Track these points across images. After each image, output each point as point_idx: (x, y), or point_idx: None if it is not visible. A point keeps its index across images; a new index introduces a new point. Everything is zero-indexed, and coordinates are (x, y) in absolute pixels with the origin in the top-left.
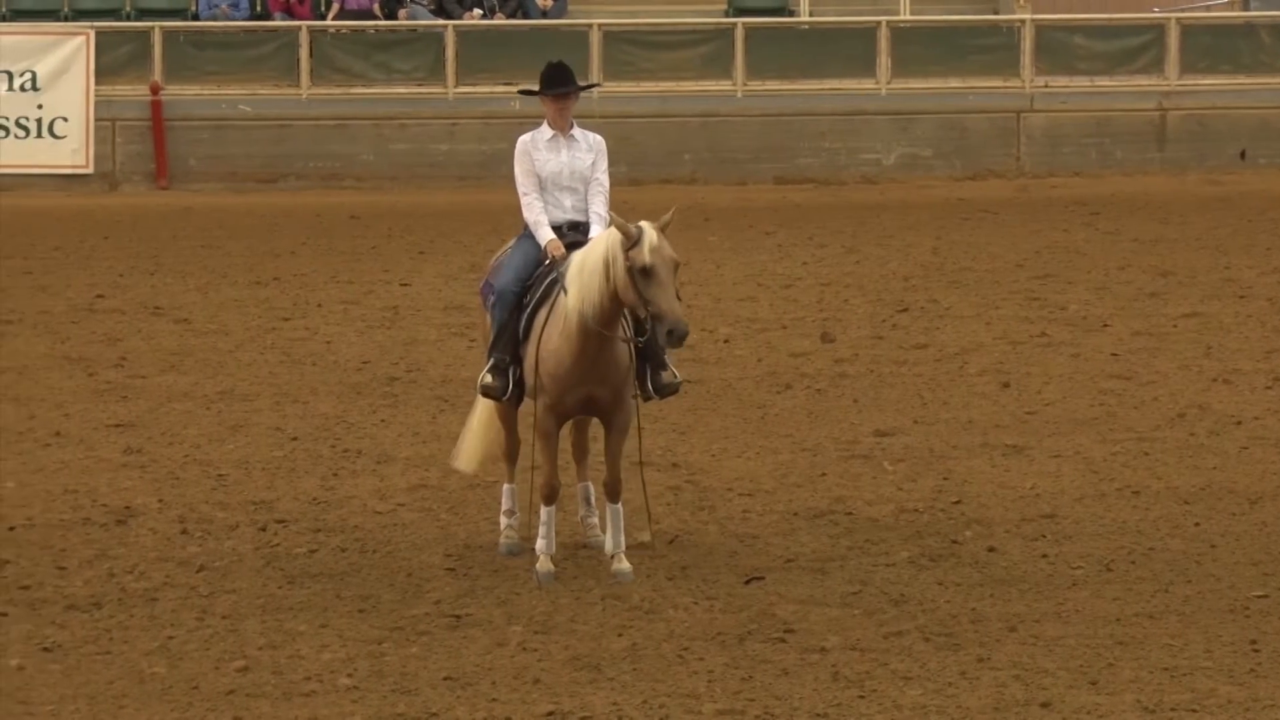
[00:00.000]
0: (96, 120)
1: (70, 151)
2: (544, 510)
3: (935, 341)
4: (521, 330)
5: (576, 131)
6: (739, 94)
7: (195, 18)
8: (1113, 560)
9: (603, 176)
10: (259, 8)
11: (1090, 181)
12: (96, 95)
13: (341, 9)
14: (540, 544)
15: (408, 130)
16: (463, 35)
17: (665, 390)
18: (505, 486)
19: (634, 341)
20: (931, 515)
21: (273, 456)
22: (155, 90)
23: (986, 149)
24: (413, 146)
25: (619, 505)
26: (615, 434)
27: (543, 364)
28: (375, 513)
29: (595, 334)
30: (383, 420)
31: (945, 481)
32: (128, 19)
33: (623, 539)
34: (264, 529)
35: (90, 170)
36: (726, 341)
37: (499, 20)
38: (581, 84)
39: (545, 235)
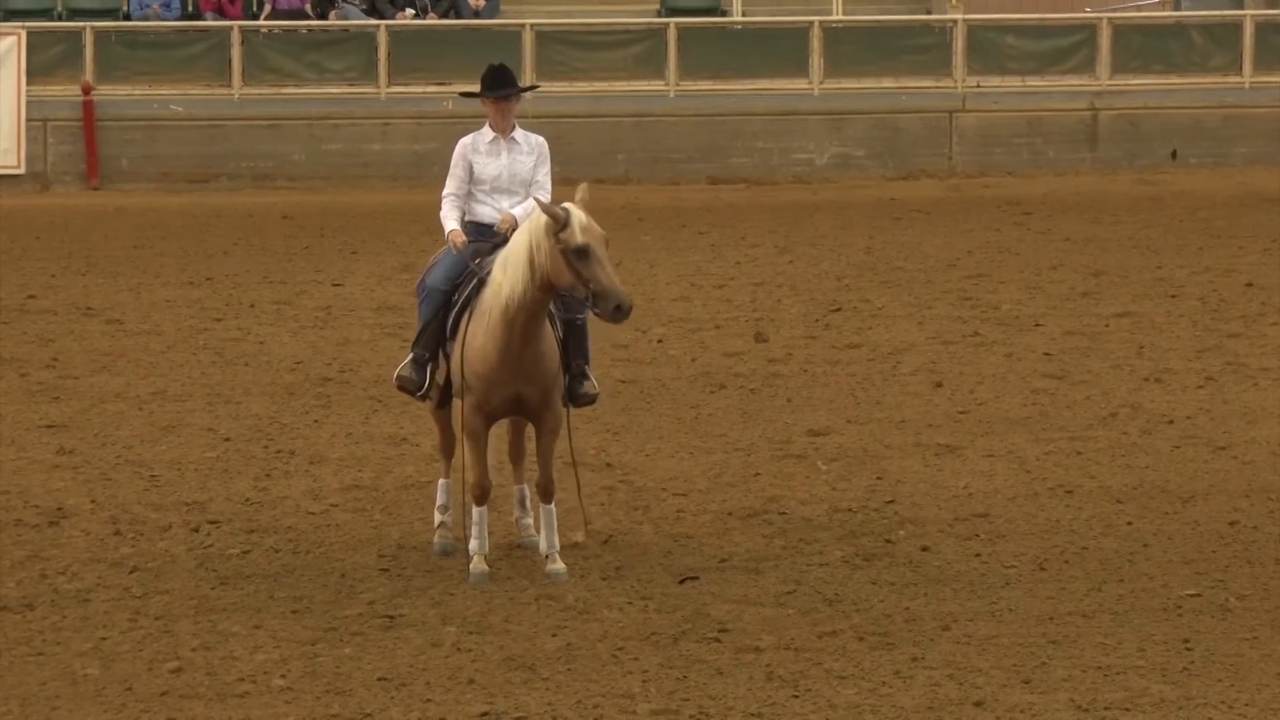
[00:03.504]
0: (28, 120)
1: (1, 152)
2: (475, 510)
3: (868, 341)
4: (449, 329)
5: (518, 134)
6: (672, 94)
7: (127, 18)
8: (1046, 559)
9: (544, 179)
10: (191, 7)
11: (1022, 181)
12: (28, 95)
13: (273, 9)
14: (473, 544)
15: (340, 130)
16: (395, 35)
17: (582, 400)
18: (440, 482)
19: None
20: (865, 515)
21: (205, 457)
22: (87, 90)
23: (919, 149)
24: (345, 146)
25: (552, 506)
26: (546, 435)
27: (468, 364)
28: (308, 513)
29: (520, 330)
30: (316, 421)
31: (879, 481)
32: (59, 19)
33: (556, 539)
34: (197, 530)
35: (22, 170)
36: (660, 341)
37: (431, 20)
38: (522, 86)
39: (449, 227)
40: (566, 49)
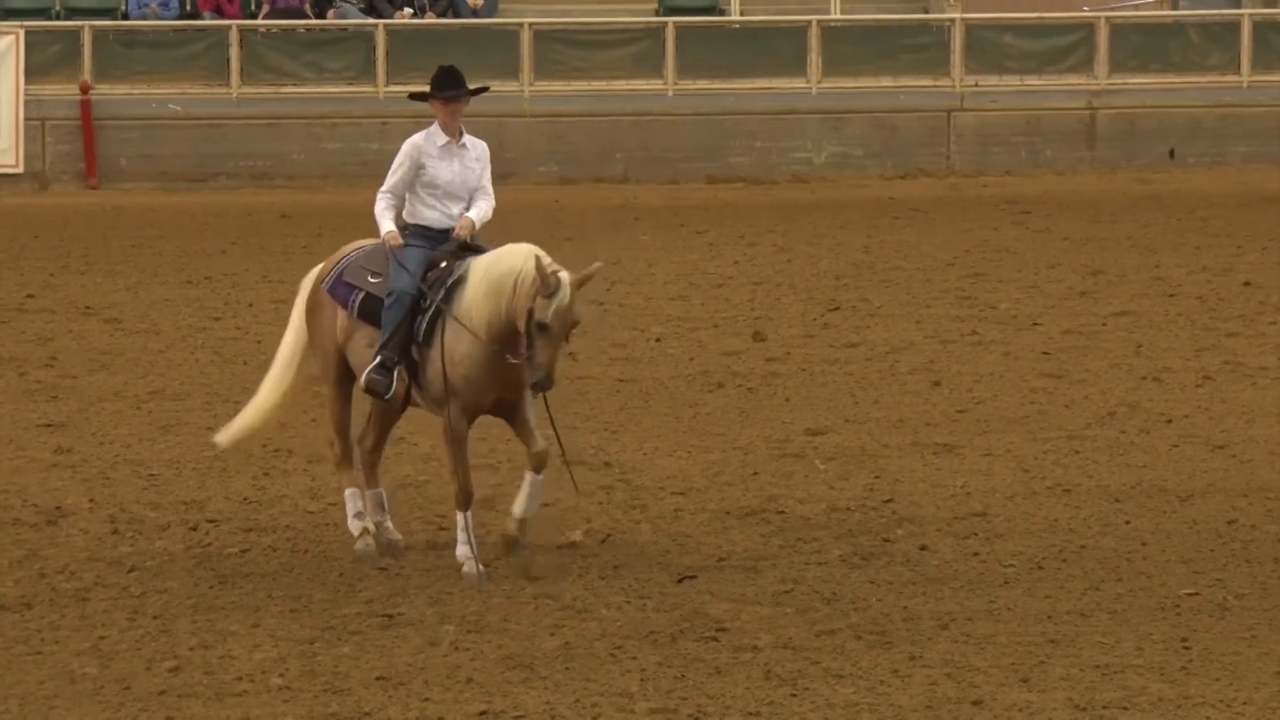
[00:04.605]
0: (26, 120)
1: (0, 151)
2: (461, 517)
3: (866, 340)
4: (421, 334)
5: (466, 138)
6: (670, 93)
7: (125, 17)
8: (1044, 558)
9: (488, 185)
10: (189, 7)
11: (1020, 180)
12: (26, 94)
13: (272, 8)
14: (463, 550)
15: (339, 129)
16: (393, 34)
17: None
18: (348, 491)
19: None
20: (863, 514)
21: (204, 456)
22: (85, 89)
23: (917, 148)
24: (344, 146)
25: (541, 476)
26: (522, 424)
27: (454, 367)
28: (307, 512)
29: (502, 345)
30: (314, 420)
31: (877, 480)
32: (57, 18)
33: (534, 505)
34: (195, 529)
35: (20, 170)
36: (658, 340)
37: (430, 19)
38: (472, 87)
39: (386, 227)
40: (565, 48)
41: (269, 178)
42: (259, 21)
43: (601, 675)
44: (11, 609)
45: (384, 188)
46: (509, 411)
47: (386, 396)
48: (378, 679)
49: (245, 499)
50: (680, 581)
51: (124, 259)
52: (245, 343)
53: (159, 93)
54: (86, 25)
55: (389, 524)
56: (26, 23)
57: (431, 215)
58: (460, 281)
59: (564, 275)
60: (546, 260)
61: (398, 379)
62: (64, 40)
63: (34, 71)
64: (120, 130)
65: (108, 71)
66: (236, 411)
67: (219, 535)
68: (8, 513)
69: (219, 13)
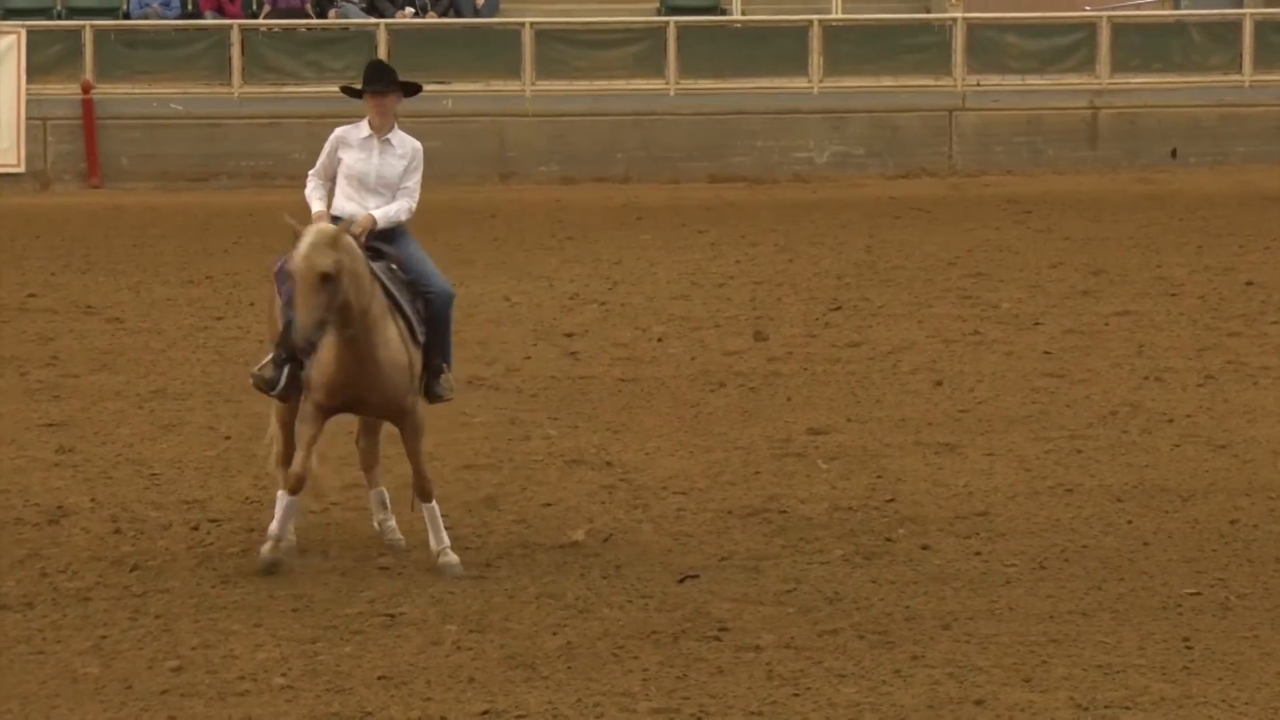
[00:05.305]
0: (28, 119)
1: (1, 150)
2: (284, 497)
3: (868, 340)
4: None
5: (395, 135)
6: (672, 93)
7: (127, 16)
8: (1046, 558)
9: (412, 185)
10: (190, 6)
11: (1022, 180)
12: (28, 94)
13: (273, 7)
14: (273, 527)
15: None
16: (395, 34)
17: (434, 399)
18: (280, 494)
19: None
20: (865, 513)
21: (206, 456)
22: (87, 89)
23: (919, 147)
24: None
25: (434, 504)
26: (407, 439)
27: (316, 364)
28: (308, 512)
29: (349, 336)
30: None
31: (879, 479)
32: (59, 18)
33: (445, 536)
34: (197, 528)
35: (22, 169)
36: (660, 340)
37: (431, 19)
38: (403, 82)
39: (315, 208)
40: (566, 47)
41: (271, 177)
42: (260, 21)
43: (604, 675)
44: (13, 608)
45: (311, 172)
46: (388, 417)
47: (272, 393)
48: (380, 678)
49: (247, 499)
50: (682, 581)
51: (125, 258)
52: (247, 342)
53: (160, 92)
54: (88, 25)
55: (392, 523)
56: (28, 22)
57: (349, 207)
58: None
59: (309, 229)
60: (294, 222)
61: (287, 377)
62: (65, 40)
63: (35, 71)
64: (122, 130)
65: (109, 71)
66: (238, 412)
67: (221, 535)
68: (10, 512)
69: (220, 12)
